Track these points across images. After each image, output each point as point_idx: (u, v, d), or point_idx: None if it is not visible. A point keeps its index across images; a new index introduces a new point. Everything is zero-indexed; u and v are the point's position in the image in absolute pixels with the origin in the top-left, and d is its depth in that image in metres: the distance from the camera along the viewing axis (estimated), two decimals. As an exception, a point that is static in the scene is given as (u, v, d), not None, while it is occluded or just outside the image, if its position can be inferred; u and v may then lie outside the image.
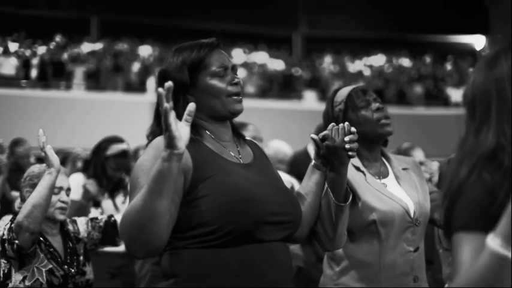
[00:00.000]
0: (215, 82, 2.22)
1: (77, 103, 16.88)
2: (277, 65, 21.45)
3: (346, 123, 2.32)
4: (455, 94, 21.29)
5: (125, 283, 4.71)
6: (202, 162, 2.11)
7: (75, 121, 16.15)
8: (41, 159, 3.39)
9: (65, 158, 7.04)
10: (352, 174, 2.74)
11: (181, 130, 1.86)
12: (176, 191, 2.00)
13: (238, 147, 2.30)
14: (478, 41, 25.68)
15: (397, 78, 21.73)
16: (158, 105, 1.87)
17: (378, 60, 23.30)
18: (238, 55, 21.32)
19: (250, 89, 19.89)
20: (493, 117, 1.49)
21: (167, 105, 1.79)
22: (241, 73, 20.02)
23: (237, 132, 2.36)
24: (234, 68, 2.28)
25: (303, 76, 20.91)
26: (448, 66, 23.09)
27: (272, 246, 2.11)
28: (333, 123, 2.34)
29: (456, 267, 1.40)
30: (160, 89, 1.79)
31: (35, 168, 3.47)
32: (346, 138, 2.28)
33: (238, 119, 4.66)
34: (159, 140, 2.02)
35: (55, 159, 3.18)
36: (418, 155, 5.21)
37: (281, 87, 20.58)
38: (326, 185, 2.35)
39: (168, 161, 1.84)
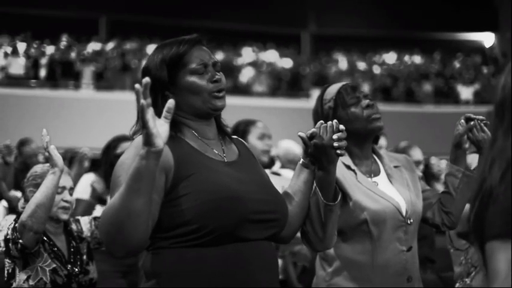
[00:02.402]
0: (195, 80, 2.17)
1: (85, 102, 16.93)
2: (286, 63, 21.43)
3: (335, 120, 2.27)
4: (466, 92, 21.20)
5: (135, 282, 4.72)
6: (184, 160, 2.07)
7: (84, 120, 16.19)
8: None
9: (72, 157, 7.05)
10: (342, 173, 2.70)
11: (160, 127, 1.82)
12: (157, 190, 1.96)
13: (223, 145, 2.25)
14: (487, 39, 25.59)
15: (406, 76, 21.66)
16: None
17: (387, 58, 23.24)
18: (247, 54, 21.31)
19: (259, 87, 19.88)
20: None
21: (144, 102, 1.76)
22: (250, 72, 20.03)
23: (223, 129, 2.31)
24: (215, 65, 2.23)
25: (311, 74, 20.88)
26: (457, 64, 23.01)
27: (257, 245, 2.08)
28: (321, 121, 2.29)
29: (493, 276, 1.41)
30: (137, 86, 1.75)
31: (38, 168, 3.48)
32: (335, 136, 2.23)
33: (247, 116, 4.69)
34: (141, 138, 1.94)
35: (58, 158, 3.19)
36: (416, 154, 5.17)
37: (289, 85, 20.57)
38: (315, 184, 2.30)
39: (146, 158, 1.80)
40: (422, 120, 19.22)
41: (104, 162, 4.97)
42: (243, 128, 4.43)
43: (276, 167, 6.14)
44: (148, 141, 1.79)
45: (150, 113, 1.78)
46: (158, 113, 1.86)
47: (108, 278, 4.22)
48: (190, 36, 2.25)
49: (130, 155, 2.02)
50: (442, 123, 19.03)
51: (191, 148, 2.13)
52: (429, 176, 6.08)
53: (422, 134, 16.64)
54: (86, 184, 5.37)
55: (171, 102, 1.84)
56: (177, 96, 2.13)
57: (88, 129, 15.67)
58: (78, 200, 5.77)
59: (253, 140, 4.37)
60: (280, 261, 4.69)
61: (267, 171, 5.04)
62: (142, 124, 1.78)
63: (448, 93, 21.40)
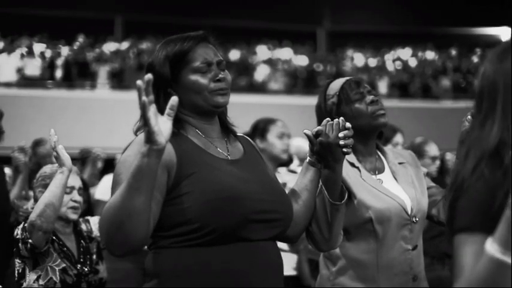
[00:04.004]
0: (197, 78, 2.13)
1: (101, 102, 16.98)
2: (301, 61, 21.37)
3: (341, 118, 2.23)
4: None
5: None
6: (187, 158, 2.04)
7: (100, 120, 16.25)
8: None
9: (85, 158, 7.07)
10: (346, 171, 2.64)
11: (163, 125, 1.79)
12: (159, 188, 1.93)
13: (227, 143, 2.21)
14: (503, 33, 25.40)
15: (422, 72, 21.55)
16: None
17: (403, 54, 23.13)
18: (262, 52, 21.28)
19: (274, 85, 19.84)
20: (499, 111, 1.45)
21: (145, 98, 1.72)
22: (266, 70, 20.00)
23: (227, 127, 2.27)
24: (220, 64, 2.18)
25: (327, 71, 20.81)
26: (476, 59, 22.84)
27: (259, 246, 2.04)
28: (327, 119, 2.25)
29: (458, 270, 1.37)
30: (139, 82, 1.71)
31: (47, 168, 3.52)
32: (341, 134, 2.19)
33: (263, 115, 4.66)
34: (143, 135, 1.90)
35: (67, 158, 3.20)
36: (432, 149, 5.11)
37: (305, 83, 20.50)
38: (321, 183, 2.27)
39: (147, 156, 1.77)
40: (440, 116, 19.11)
41: None
42: (263, 127, 4.43)
43: (294, 165, 6.12)
44: (150, 138, 1.76)
45: (152, 110, 1.74)
46: (160, 110, 1.83)
47: (131, 275, 4.23)
48: (196, 32, 2.21)
49: (132, 152, 1.99)
50: (460, 118, 18.90)
51: (194, 146, 2.10)
52: (444, 171, 6.03)
53: (440, 130, 16.52)
54: (107, 185, 5.37)
55: (174, 100, 1.80)
56: (179, 94, 2.10)
57: (104, 129, 15.72)
58: (99, 201, 5.81)
59: (272, 138, 4.37)
60: (295, 257, 4.67)
61: (284, 169, 5.04)
62: (143, 121, 1.75)
63: (466, 89, 21.26)
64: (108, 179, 5.43)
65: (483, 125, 1.47)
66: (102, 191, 5.89)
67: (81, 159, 7.13)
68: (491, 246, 1.27)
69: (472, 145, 1.46)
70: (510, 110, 1.42)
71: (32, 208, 3.32)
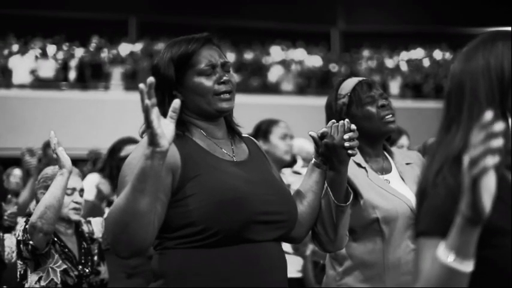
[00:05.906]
0: (201, 81, 2.14)
1: (115, 104, 17.03)
2: (315, 61, 21.32)
3: (346, 120, 2.25)
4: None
5: (141, 283, 4.73)
6: (191, 160, 2.05)
7: (114, 121, 16.29)
8: (75, 161, 3.41)
9: (96, 159, 7.11)
10: (353, 171, 2.62)
11: (166, 127, 1.80)
12: (164, 190, 1.96)
13: (232, 144, 2.22)
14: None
15: (436, 72, 21.45)
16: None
17: (417, 54, 23.02)
18: (276, 52, 21.26)
19: (288, 86, 19.80)
20: (464, 114, 1.42)
21: (148, 101, 1.74)
22: (279, 70, 19.97)
23: (233, 128, 2.28)
24: (224, 65, 2.19)
25: (342, 72, 20.73)
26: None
27: (264, 247, 2.05)
28: (332, 120, 2.27)
29: (417, 273, 1.36)
30: (141, 85, 1.73)
31: (49, 170, 3.53)
32: (346, 136, 2.21)
33: (273, 116, 4.64)
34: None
35: (66, 160, 3.22)
36: None
37: (319, 83, 20.45)
38: (326, 185, 2.28)
39: (151, 158, 1.78)
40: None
41: (109, 165, 4.99)
42: (265, 128, 4.43)
43: (298, 166, 6.11)
44: (153, 141, 1.78)
45: (154, 112, 1.76)
46: (165, 112, 1.85)
47: (113, 279, 4.24)
48: (200, 34, 2.23)
49: (137, 154, 1.99)
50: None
51: (199, 148, 2.12)
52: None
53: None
54: (91, 185, 5.39)
55: (176, 102, 1.83)
56: (184, 96, 2.13)
57: (118, 130, 15.73)
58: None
59: (275, 140, 4.37)
60: (300, 259, 4.67)
61: (289, 170, 5.04)
62: (146, 124, 1.77)
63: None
64: (91, 179, 5.39)
65: (449, 128, 1.44)
66: (86, 190, 5.89)
67: (92, 160, 7.17)
68: (443, 253, 1.27)
69: (437, 149, 1.44)
70: (476, 113, 1.39)
71: (33, 210, 3.34)
